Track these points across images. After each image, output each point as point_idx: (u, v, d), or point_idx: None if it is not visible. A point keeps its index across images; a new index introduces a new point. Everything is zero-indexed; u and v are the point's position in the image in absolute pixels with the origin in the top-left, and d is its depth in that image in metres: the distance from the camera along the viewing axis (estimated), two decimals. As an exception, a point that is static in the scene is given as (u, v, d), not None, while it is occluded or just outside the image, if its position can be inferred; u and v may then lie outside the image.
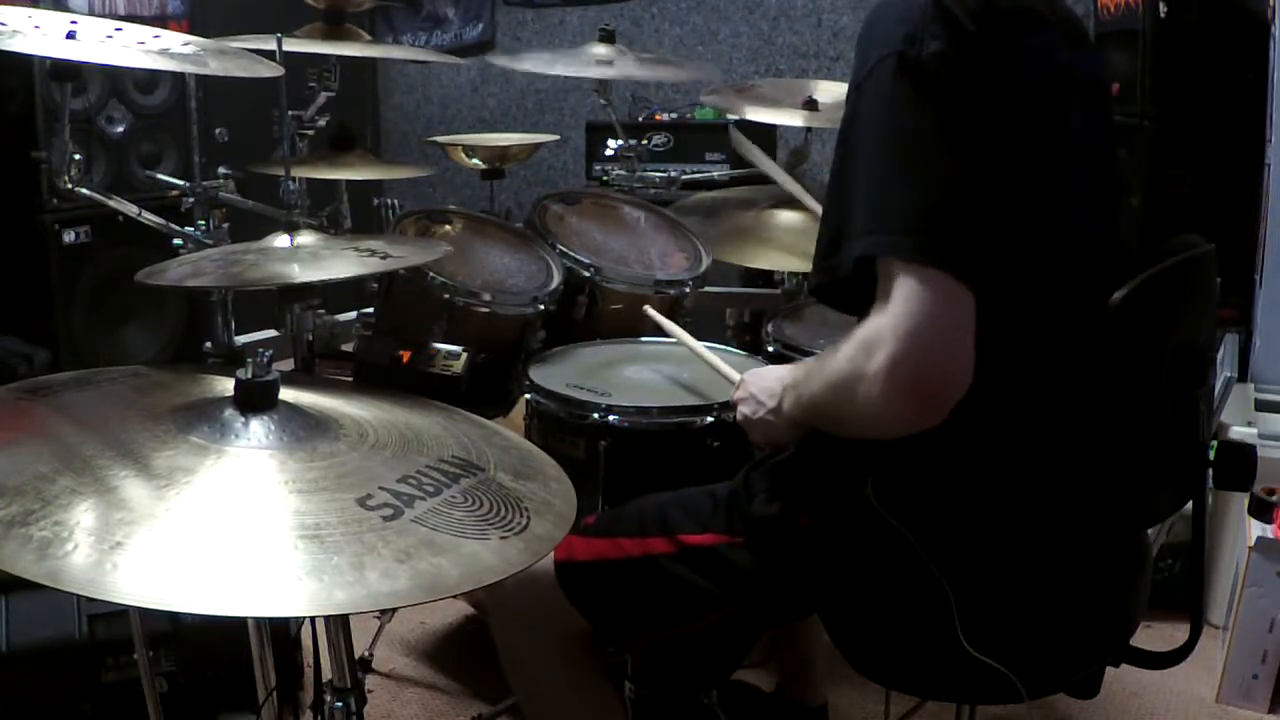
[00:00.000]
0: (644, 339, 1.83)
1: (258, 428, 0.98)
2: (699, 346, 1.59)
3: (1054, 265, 1.03)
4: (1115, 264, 1.07)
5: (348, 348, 1.68)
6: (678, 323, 1.93)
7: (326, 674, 1.18)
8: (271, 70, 1.49)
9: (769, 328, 1.84)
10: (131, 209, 1.63)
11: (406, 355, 1.56)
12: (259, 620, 1.17)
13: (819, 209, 1.49)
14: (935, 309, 0.93)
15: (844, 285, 1.02)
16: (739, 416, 1.29)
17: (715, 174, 3.18)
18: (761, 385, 1.25)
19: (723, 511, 1.25)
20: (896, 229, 0.95)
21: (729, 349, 1.79)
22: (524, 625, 1.35)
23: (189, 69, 1.45)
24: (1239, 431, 2.29)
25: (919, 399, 0.95)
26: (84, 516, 0.81)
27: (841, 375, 1.00)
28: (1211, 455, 1.19)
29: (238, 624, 1.52)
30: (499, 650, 1.39)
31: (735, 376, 1.39)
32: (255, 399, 1.00)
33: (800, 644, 1.80)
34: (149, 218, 1.64)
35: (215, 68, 1.46)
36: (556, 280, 1.79)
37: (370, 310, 1.73)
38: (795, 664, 1.83)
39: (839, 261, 1.00)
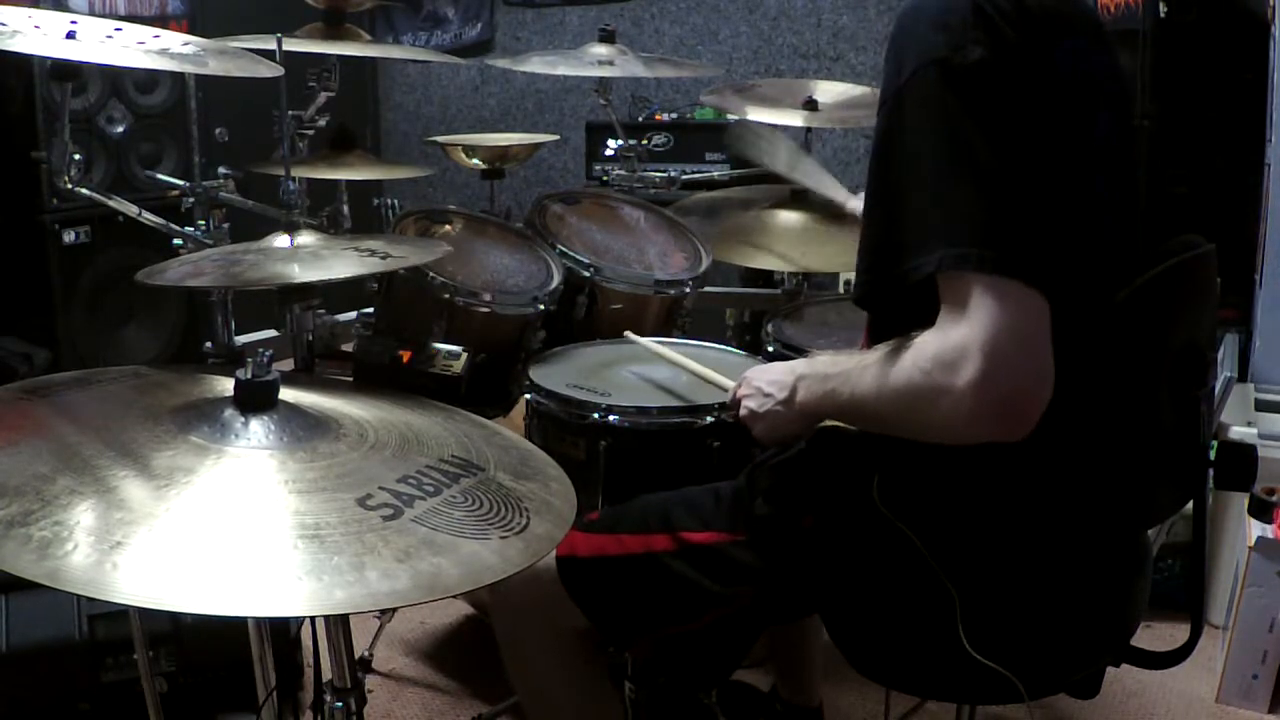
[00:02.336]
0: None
1: (258, 428, 0.98)
2: (690, 363, 1.57)
3: (1071, 269, 1.03)
4: (1122, 265, 1.07)
5: (348, 348, 1.68)
6: (677, 323, 1.94)
7: (326, 674, 1.18)
8: (271, 70, 1.49)
9: (769, 328, 1.84)
10: (131, 209, 1.63)
11: (406, 355, 1.56)
12: (259, 620, 1.17)
13: (842, 195, 1.46)
14: (1017, 322, 0.92)
15: (895, 295, 1.00)
16: (743, 413, 1.27)
17: (715, 174, 3.18)
18: (767, 378, 1.23)
19: (725, 510, 1.25)
20: (969, 242, 0.93)
21: (729, 349, 1.79)
22: (525, 620, 1.35)
23: (189, 69, 1.45)
24: (1239, 431, 2.29)
25: (1008, 414, 0.93)
26: (84, 516, 0.81)
27: (915, 387, 0.97)
28: (1212, 455, 1.19)
29: (238, 624, 1.52)
30: (500, 644, 1.39)
31: (728, 383, 1.38)
32: (255, 399, 1.00)
33: (797, 645, 1.80)
34: (149, 218, 1.64)
35: (215, 68, 1.46)
36: (556, 280, 1.79)
37: (370, 310, 1.72)
38: (791, 665, 1.83)
39: (901, 273, 0.98)
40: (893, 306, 1.05)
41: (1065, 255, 1.01)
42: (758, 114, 2.25)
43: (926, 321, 0.98)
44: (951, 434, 0.97)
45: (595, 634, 1.32)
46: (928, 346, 0.96)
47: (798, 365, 1.20)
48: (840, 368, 1.10)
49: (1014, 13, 0.97)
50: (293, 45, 1.67)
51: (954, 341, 0.93)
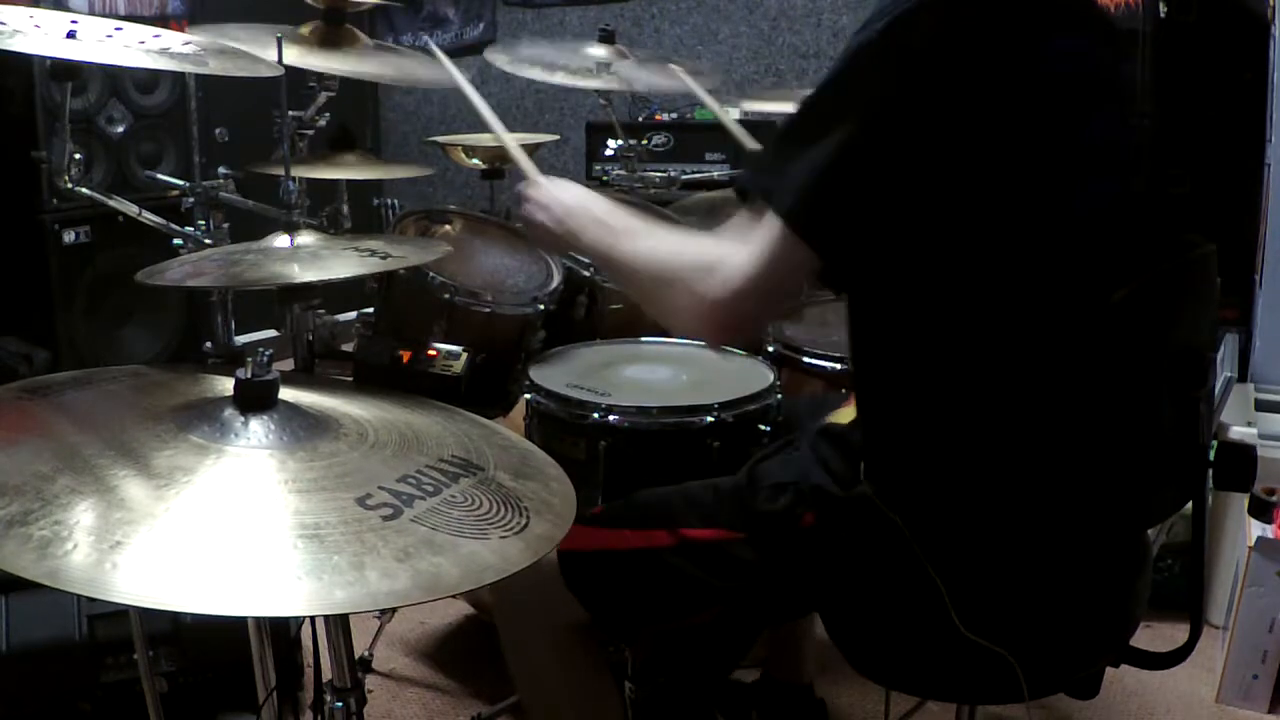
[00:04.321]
0: (644, 339, 1.83)
1: (258, 427, 0.98)
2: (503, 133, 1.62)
3: (1060, 266, 1.03)
4: (1120, 265, 1.07)
5: (348, 348, 1.68)
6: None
7: (326, 674, 1.18)
8: (271, 70, 1.49)
9: (769, 327, 1.84)
10: (131, 209, 1.63)
11: (406, 355, 1.56)
12: (259, 620, 1.17)
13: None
14: (783, 274, 1.02)
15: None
16: (524, 209, 1.34)
17: (715, 174, 3.18)
18: (555, 196, 1.30)
19: (726, 506, 1.25)
20: (792, 185, 1.00)
21: (729, 349, 1.79)
22: (525, 614, 1.35)
23: (189, 69, 1.45)
24: (1239, 431, 2.29)
25: (723, 335, 1.11)
26: (84, 516, 0.81)
27: (672, 271, 1.08)
28: (1212, 456, 1.19)
29: (238, 624, 1.52)
30: (501, 638, 1.39)
31: (534, 172, 1.42)
32: (255, 399, 1.00)
33: (789, 624, 1.79)
34: (149, 218, 1.64)
35: (215, 68, 1.46)
36: (556, 280, 1.79)
37: (370, 310, 1.72)
38: (783, 643, 1.83)
39: (752, 175, 1.08)
40: None
41: (1036, 251, 1.01)
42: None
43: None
44: (671, 324, 1.11)
45: (596, 629, 1.32)
46: (706, 246, 1.07)
47: (583, 197, 1.28)
48: (627, 225, 1.19)
49: (1003, 5, 0.97)
50: (291, 54, 1.67)
51: (726, 256, 1.03)
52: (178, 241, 1.65)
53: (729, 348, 1.11)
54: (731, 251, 1.03)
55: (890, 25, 0.96)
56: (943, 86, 0.95)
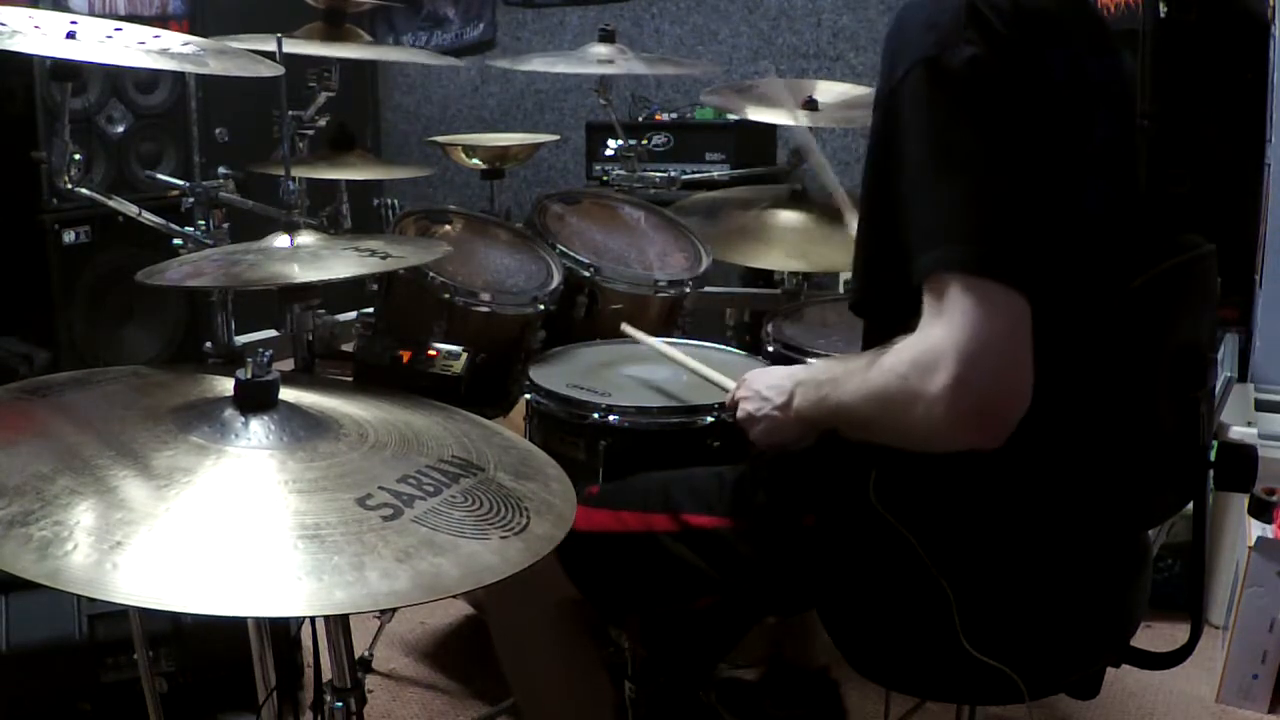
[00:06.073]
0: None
1: (258, 428, 0.98)
2: (690, 361, 1.54)
3: (1061, 271, 1.03)
4: (1119, 267, 1.07)
5: (348, 348, 1.68)
6: (678, 323, 1.94)
7: (326, 674, 1.18)
8: (271, 70, 1.49)
9: (769, 328, 1.84)
10: (131, 209, 1.63)
11: (406, 355, 1.56)
12: (259, 620, 1.17)
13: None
14: (996, 326, 0.90)
15: (891, 300, 0.99)
16: (740, 415, 1.26)
17: (715, 174, 3.18)
18: (767, 382, 1.22)
19: (728, 496, 1.25)
20: (950, 240, 0.92)
21: (729, 349, 1.79)
22: (516, 593, 1.34)
23: (189, 69, 1.45)
24: (1239, 431, 2.29)
25: (982, 421, 0.91)
26: (84, 516, 0.81)
27: (892, 391, 0.95)
28: (1212, 456, 1.19)
29: (238, 624, 1.52)
30: (489, 619, 1.38)
31: (729, 384, 1.36)
32: (255, 399, 1.00)
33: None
34: (149, 218, 1.64)
35: (215, 68, 1.46)
36: (556, 280, 1.79)
37: (370, 310, 1.73)
38: (792, 626, 1.82)
39: (897, 279, 0.97)
40: (890, 312, 1.04)
41: (1059, 257, 1.01)
42: (758, 114, 2.25)
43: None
44: (928, 440, 0.96)
45: (585, 609, 1.31)
46: (906, 350, 0.94)
47: (798, 371, 1.19)
48: (833, 374, 1.09)
49: (1010, 12, 0.97)
50: (293, 47, 1.67)
51: (930, 345, 0.92)
52: (178, 241, 1.65)
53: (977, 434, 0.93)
54: (936, 336, 0.91)
55: (936, 55, 0.95)
56: (987, 95, 0.95)
